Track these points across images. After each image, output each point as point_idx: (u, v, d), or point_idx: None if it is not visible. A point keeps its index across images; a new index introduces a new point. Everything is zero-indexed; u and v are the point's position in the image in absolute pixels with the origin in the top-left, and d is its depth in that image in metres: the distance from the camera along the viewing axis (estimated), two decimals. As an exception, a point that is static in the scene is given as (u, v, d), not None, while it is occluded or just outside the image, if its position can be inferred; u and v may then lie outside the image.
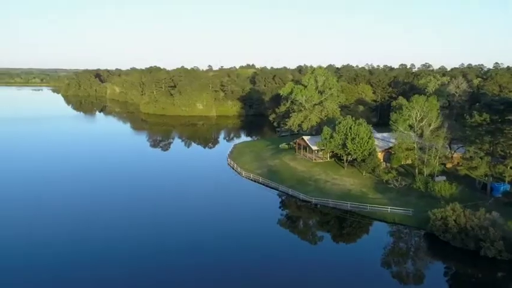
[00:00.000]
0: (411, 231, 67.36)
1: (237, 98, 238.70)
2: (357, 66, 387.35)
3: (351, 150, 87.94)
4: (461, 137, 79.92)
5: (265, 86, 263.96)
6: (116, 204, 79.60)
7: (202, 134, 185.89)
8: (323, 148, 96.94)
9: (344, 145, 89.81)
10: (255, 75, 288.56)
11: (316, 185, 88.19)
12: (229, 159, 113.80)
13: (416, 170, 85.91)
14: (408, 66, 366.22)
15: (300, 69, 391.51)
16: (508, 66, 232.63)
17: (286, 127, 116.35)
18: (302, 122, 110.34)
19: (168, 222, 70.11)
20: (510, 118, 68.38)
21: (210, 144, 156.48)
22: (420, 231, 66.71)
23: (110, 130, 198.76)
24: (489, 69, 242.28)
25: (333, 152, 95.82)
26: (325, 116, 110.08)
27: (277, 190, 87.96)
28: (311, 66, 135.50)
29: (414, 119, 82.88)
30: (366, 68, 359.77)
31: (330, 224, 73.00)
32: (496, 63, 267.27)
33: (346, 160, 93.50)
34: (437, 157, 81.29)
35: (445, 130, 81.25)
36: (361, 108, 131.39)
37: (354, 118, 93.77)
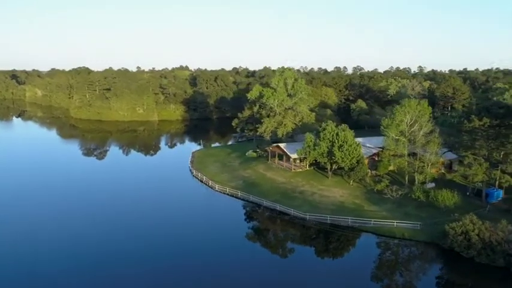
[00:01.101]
0: (426, 248, 61.85)
1: (180, 101, 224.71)
2: (293, 68, 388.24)
3: (338, 159, 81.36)
4: (455, 142, 76.85)
5: (207, 88, 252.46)
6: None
7: (145, 140, 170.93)
8: (305, 156, 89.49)
9: (330, 153, 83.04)
10: (196, 77, 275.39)
11: (303, 197, 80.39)
12: (194, 171, 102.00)
13: (407, 178, 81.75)
14: (341, 69, 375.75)
15: (237, 71, 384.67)
16: (457, 70, 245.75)
17: (257, 133, 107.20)
18: (276, 128, 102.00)
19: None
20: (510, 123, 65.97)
21: (162, 152, 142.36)
22: (432, 247, 61.44)
23: (31, 137, 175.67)
24: (437, 72, 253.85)
25: (316, 160, 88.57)
26: (300, 121, 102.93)
27: (261, 205, 78.73)
28: (281, 67, 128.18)
29: (406, 124, 78.41)
30: (301, 70, 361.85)
31: (337, 245, 65.53)
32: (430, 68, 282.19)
33: (331, 169, 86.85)
34: (431, 164, 77.44)
35: (436, 135, 77.75)
36: (328, 112, 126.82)
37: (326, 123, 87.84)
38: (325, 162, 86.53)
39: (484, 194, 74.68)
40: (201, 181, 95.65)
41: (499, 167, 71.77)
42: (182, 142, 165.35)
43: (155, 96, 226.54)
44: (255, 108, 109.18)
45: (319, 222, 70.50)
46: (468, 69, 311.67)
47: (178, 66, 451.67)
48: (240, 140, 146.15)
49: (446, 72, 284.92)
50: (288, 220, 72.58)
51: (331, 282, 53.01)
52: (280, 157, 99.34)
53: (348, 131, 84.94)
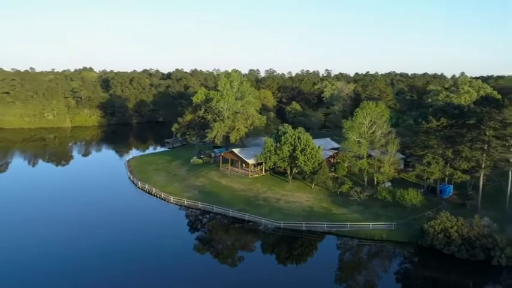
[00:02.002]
0: (406, 248, 62.82)
1: (96, 105, 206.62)
2: (207, 70, 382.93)
3: (301, 162, 79.80)
4: (410, 142, 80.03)
5: (122, 91, 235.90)
6: None
7: (58, 149, 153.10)
8: (260, 162, 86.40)
9: (292, 157, 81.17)
10: (109, 79, 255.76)
11: (269, 205, 77.28)
12: (139, 182, 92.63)
13: (366, 178, 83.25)
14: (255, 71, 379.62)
15: (150, 73, 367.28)
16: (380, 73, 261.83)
17: (207, 139, 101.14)
18: (228, 132, 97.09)
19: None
20: (469, 122, 70.36)
21: (86, 162, 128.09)
22: (412, 246, 62.66)
23: None
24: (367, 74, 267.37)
25: (274, 165, 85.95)
26: (251, 124, 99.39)
27: (227, 216, 73.81)
28: (225, 70, 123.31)
29: (366, 126, 79.68)
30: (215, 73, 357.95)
31: (321, 252, 63.91)
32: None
33: (291, 173, 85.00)
34: (390, 164, 79.71)
35: (393, 136, 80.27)
36: (272, 115, 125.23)
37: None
38: (285, 167, 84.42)
39: (438, 191, 78.89)
40: (150, 193, 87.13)
41: (451, 164, 76.01)
42: (102, 150, 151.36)
43: (65, 100, 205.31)
44: (201, 112, 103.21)
45: (294, 230, 67.98)
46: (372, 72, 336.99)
47: (82, 67, 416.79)
48: (174, 146, 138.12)
49: (369, 74, 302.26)
50: (261, 230, 68.72)
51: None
52: (234, 163, 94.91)
53: (307, 134, 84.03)
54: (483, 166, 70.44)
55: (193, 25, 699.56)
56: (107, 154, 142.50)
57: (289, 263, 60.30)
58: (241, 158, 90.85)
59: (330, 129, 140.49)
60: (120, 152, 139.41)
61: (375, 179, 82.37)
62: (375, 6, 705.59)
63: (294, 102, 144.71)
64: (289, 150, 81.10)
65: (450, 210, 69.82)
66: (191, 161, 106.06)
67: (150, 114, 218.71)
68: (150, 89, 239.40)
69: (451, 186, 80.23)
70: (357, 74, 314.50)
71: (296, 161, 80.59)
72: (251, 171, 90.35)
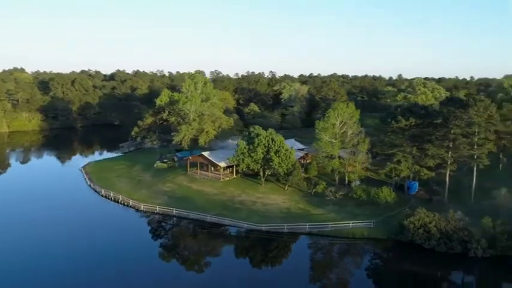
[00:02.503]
0: (388, 244, 64.77)
1: (36, 108, 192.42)
2: (151, 72, 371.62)
3: (275, 164, 79.55)
4: (379, 141, 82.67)
5: (64, 93, 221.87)
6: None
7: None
8: (231, 164, 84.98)
9: (266, 159, 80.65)
10: (49, 80, 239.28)
11: (247, 208, 76.23)
12: (103, 190, 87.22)
13: (337, 178, 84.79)
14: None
15: (91, 75, 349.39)
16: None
17: (173, 142, 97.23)
18: (196, 135, 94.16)
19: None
20: (436, 121, 74.08)
21: (35, 170, 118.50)
22: (392, 242, 64.67)
23: None
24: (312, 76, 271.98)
25: (248, 168, 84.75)
26: (218, 127, 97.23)
27: (205, 221, 71.65)
28: (189, 72, 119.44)
29: (337, 127, 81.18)
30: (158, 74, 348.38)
31: (313, 253, 63.90)
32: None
33: (264, 175, 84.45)
34: (361, 163, 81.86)
35: (363, 136, 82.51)
36: (235, 116, 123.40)
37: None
38: (258, 169, 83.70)
39: (406, 188, 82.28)
40: (116, 201, 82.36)
41: (418, 162, 79.51)
42: (47, 156, 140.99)
43: (0, 103, 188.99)
44: (164, 115, 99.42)
45: (276, 232, 67.50)
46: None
47: (12, 67, 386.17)
48: (130, 150, 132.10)
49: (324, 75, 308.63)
50: (243, 234, 67.50)
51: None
52: (202, 167, 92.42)
53: (280, 135, 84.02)
54: (449, 163, 74.44)
55: (131, 24, 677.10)
56: (54, 161, 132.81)
57: (278, 263, 59.73)
58: (211, 161, 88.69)
59: (288, 130, 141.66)
60: (68, 158, 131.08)
61: (346, 178, 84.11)
62: (318, 9, 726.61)
63: (252, 104, 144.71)
64: (262, 152, 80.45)
65: (418, 206, 73.41)
66: (154, 165, 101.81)
67: (96, 117, 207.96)
68: (95, 91, 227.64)
69: (417, 183, 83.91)
70: (302, 75, 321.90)
71: (270, 163, 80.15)
72: (222, 174, 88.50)
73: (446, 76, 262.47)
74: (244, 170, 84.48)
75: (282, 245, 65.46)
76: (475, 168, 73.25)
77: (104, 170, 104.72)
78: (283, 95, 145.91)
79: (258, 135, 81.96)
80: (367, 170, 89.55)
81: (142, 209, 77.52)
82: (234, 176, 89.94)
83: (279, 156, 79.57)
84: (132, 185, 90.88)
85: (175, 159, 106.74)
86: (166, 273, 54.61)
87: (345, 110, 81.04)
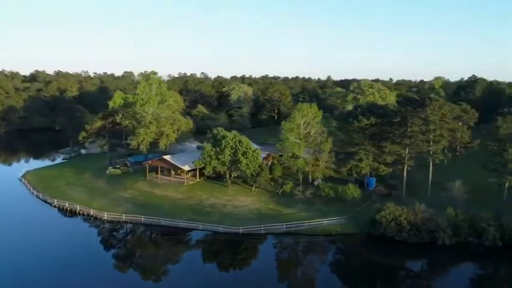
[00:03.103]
0: (362, 239, 67.57)
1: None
2: (75, 72, 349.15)
3: (243, 166, 79.22)
4: (339, 140, 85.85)
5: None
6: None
7: None
8: (203, 167, 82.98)
9: (233, 161, 79.96)
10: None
11: (218, 211, 74.96)
12: (56, 200, 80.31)
13: (301, 177, 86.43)
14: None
15: (6, 75, 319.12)
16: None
17: (130, 146, 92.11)
18: (156, 139, 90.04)
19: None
20: (395, 120, 78.76)
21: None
22: (366, 236, 67.64)
23: None
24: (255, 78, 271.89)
25: (215, 171, 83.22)
26: (178, 129, 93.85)
27: (178, 227, 69.24)
28: (145, 72, 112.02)
29: (302, 127, 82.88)
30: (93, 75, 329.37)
31: (295, 253, 64.65)
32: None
33: (230, 177, 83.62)
34: (324, 161, 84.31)
35: (325, 135, 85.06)
36: (189, 118, 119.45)
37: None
38: (224, 171, 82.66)
39: (366, 184, 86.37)
40: (73, 212, 76.44)
41: (376, 159, 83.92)
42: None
43: None
44: (118, 118, 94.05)
45: (254, 234, 67.26)
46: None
47: None
48: (72, 155, 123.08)
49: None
50: (221, 238, 66.26)
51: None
52: (163, 171, 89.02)
53: (245, 137, 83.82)
54: (406, 159, 79.57)
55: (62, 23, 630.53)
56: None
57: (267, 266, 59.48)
58: (174, 165, 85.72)
59: (238, 131, 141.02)
60: None
61: (310, 176, 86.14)
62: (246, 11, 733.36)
63: (199, 105, 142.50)
64: (230, 154, 79.62)
65: (379, 200, 78.03)
66: (107, 172, 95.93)
67: (21, 121, 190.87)
68: (18, 93, 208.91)
69: (374, 179, 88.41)
70: (235, 77, 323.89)
71: (238, 165, 79.57)
72: (187, 178, 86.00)
73: (380, 78, 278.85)
74: (210, 173, 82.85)
75: (261, 246, 65.34)
76: (431, 164, 79.08)
77: (49, 179, 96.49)
78: (232, 96, 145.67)
79: (224, 137, 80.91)
80: (329, 168, 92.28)
81: (106, 218, 72.72)
82: (197, 179, 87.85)
83: (246, 158, 79.30)
84: (87, 193, 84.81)
85: (128, 164, 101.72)
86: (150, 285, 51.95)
87: (308, 110, 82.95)
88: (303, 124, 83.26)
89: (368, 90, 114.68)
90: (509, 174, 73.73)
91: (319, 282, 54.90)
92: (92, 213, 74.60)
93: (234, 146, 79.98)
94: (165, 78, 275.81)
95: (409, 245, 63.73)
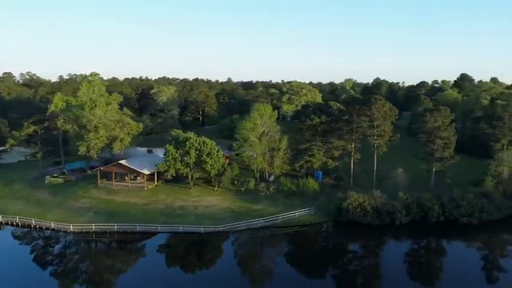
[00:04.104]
0: (332, 226, 74.25)
1: None
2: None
3: (208, 166, 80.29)
4: (291, 137, 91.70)
5: None
6: None
7: None
8: (165, 170, 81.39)
9: (197, 162, 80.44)
10: None
11: (191, 213, 75.07)
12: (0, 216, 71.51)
13: (258, 174, 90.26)
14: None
15: None
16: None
17: (80, 153, 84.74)
18: (108, 144, 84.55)
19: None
20: (344, 118, 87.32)
21: None
22: (334, 223, 74.58)
23: None
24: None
25: (178, 173, 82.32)
26: (128, 133, 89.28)
27: (156, 233, 67.84)
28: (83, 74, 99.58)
29: (260, 126, 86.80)
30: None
31: (282, 245, 68.59)
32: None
33: (192, 179, 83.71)
34: (280, 158, 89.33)
35: (279, 134, 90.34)
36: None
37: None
38: (187, 173, 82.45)
39: (315, 177, 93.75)
40: (27, 226, 69.30)
41: (325, 154, 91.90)
42: None
43: None
44: (59, 122, 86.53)
45: (235, 231, 69.28)
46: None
47: None
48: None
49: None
50: (205, 238, 66.86)
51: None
52: (117, 176, 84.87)
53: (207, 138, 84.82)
54: (353, 153, 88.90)
55: None
56: None
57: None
58: (133, 169, 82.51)
59: (161, 133, 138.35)
60: None
61: (266, 173, 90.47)
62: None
63: (124, 108, 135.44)
64: (195, 156, 79.89)
65: (330, 191, 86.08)
66: (46, 181, 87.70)
67: None
68: None
69: (321, 172, 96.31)
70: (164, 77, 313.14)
71: (203, 165, 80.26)
72: (147, 182, 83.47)
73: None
74: (172, 175, 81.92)
75: (246, 240, 67.62)
76: (375, 155, 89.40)
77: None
78: (160, 98, 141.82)
79: (187, 138, 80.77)
80: (285, 164, 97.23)
81: (71, 230, 67.46)
82: (156, 183, 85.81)
83: (211, 158, 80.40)
84: (34, 206, 77.02)
85: (66, 172, 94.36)
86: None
87: (265, 110, 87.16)
88: (261, 124, 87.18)
89: (301, 91, 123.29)
90: (436, 161, 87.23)
91: (301, 264, 59.86)
92: (52, 226, 68.43)
93: (199, 147, 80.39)
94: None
95: (372, 227, 72.20)
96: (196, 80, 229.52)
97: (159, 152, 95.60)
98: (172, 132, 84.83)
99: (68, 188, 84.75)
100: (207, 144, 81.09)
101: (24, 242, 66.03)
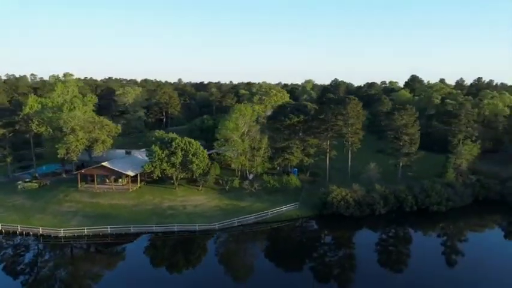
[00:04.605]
0: (316, 219, 78.44)
1: None
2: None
3: (194, 166, 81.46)
4: (269, 137, 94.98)
5: None
6: None
7: None
8: (151, 171, 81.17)
9: (184, 162, 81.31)
10: None
11: (182, 212, 76.01)
12: (-19, 224, 67.95)
13: (239, 173, 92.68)
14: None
15: None
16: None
17: (60, 156, 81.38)
18: (89, 146, 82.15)
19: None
20: (320, 117, 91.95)
21: None
22: (318, 216, 78.93)
23: None
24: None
25: (163, 174, 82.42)
26: (108, 134, 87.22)
27: (151, 233, 68.21)
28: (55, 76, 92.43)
29: (242, 126, 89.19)
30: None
31: (277, 238, 71.42)
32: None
33: (177, 179, 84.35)
34: (261, 156, 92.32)
35: (259, 133, 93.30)
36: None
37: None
38: (171, 173, 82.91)
39: (291, 174, 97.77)
40: (13, 233, 66.68)
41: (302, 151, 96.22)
42: None
43: None
44: (33, 125, 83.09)
45: (230, 227, 71.33)
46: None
47: None
48: None
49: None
50: (201, 236, 68.24)
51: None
52: (99, 179, 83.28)
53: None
54: (328, 150, 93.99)
55: None
56: None
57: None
58: (117, 171, 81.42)
59: (130, 134, 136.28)
60: None
61: (247, 171, 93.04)
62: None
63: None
64: (181, 156, 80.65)
65: (309, 187, 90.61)
66: (20, 187, 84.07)
67: None
68: None
69: (297, 169, 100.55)
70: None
71: (190, 165, 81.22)
72: (130, 184, 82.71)
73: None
74: (159, 176, 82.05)
75: (244, 235, 69.80)
76: (349, 152, 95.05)
77: None
78: (127, 99, 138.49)
79: (173, 139, 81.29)
80: (266, 162, 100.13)
81: (62, 234, 65.84)
82: (139, 184, 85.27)
83: (197, 158, 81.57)
84: (15, 212, 73.83)
85: (37, 176, 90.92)
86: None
87: (247, 111, 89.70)
88: (242, 124, 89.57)
89: (271, 92, 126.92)
90: (403, 156, 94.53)
91: (295, 252, 63.73)
92: (41, 232, 66.32)
93: (185, 148, 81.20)
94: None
95: (355, 218, 77.35)
96: (156, 81, 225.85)
97: (137, 154, 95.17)
98: (156, 133, 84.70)
99: (46, 193, 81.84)
100: (192, 145, 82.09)
101: (17, 250, 63.45)
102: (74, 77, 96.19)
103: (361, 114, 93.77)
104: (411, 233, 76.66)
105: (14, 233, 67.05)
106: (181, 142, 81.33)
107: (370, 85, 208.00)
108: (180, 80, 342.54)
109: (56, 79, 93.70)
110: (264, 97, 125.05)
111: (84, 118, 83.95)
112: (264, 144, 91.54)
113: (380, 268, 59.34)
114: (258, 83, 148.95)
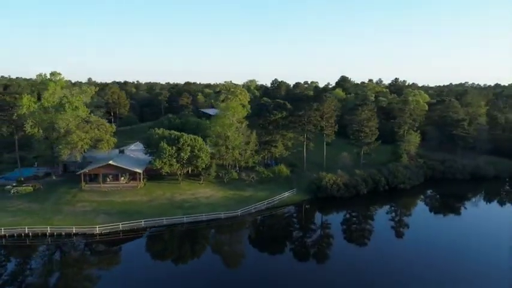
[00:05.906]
0: (311, 201, 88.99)
1: None
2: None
3: (200, 161, 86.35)
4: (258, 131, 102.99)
5: None
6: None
7: None
8: (160, 167, 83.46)
9: (190, 158, 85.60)
10: None
11: (198, 203, 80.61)
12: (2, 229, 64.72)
13: (229, 165, 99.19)
14: None
15: None
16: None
17: (64, 157, 78.02)
18: (93, 146, 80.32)
19: None
20: (299, 113, 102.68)
21: None
22: (314, 199, 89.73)
23: None
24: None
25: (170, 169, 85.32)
26: (106, 133, 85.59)
27: (183, 224, 72.25)
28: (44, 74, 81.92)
29: (234, 123, 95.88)
30: None
31: (293, 217, 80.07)
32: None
33: (181, 174, 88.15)
34: (251, 150, 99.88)
35: (245, 129, 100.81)
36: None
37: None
38: (177, 169, 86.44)
39: (273, 165, 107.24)
40: (43, 235, 65.26)
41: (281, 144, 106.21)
42: None
43: None
44: (28, 126, 79.27)
45: (249, 213, 78.32)
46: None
47: None
48: None
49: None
50: (227, 223, 74.22)
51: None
52: (104, 177, 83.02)
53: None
54: (305, 143, 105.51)
55: None
56: None
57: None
58: (125, 169, 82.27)
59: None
60: None
61: (237, 164, 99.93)
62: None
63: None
64: (189, 152, 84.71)
65: (292, 176, 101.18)
66: (12, 191, 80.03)
67: None
68: None
69: (274, 161, 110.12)
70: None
71: (196, 160, 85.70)
72: (133, 182, 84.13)
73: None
74: (167, 172, 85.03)
75: (265, 219, 77.27)
76: (324, 144, 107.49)
77: None
78: (84, 99, 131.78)
79: (181, 136, 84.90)
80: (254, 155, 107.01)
81: (97, 232, 66.41)
82: (143, 181, 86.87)
83: (203, 153, 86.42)
84: (26, 216, 70.89)
85: (22, 179, 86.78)
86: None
87: (239, 109, 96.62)
88: (236, 120, 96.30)
89: (238, 91, 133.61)
90: (365, 145, 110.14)
91: (311, 224, 74.05)
92: (74, 231, 65.96)
93: (191, 144, 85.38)
94: None
95: (344, 198, 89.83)
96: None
97: (129, 152, 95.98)
98: (157, 131, 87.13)
99: (47, 195, 79.35)
100: (198, 141, 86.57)
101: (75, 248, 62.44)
102: (62, 77, 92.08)
103: (334, 110, 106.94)
104: (396, 208, 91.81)
105: (44, 235, 65.42)
106: (188, 139, 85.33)
107: (295, 85, 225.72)
108: (126, 81, 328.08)
109: (43, 78, 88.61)
110: (229, 96, 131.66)
111: (81, 117, 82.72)
112: (253, 138, 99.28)
113: (386, 224, 72.46)
114: (223, 83, 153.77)
